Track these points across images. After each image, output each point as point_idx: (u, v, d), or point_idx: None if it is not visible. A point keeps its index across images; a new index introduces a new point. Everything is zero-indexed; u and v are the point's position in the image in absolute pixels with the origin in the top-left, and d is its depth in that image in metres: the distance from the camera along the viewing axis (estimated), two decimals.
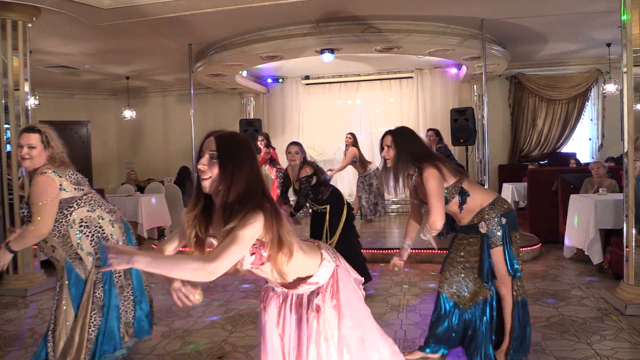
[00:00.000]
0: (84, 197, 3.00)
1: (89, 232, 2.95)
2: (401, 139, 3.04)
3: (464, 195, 2.98)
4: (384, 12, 6.84)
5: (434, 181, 2.90)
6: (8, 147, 5.47)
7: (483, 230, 2.97)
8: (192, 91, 7.82)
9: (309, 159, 5.03)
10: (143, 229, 8.04)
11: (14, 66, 5.39)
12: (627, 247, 4.24)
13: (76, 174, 3.04)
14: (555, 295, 4.65)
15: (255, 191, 1.67)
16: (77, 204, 2.94)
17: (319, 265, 1.87)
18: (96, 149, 12.26)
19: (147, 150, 12.27)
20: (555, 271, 5.59)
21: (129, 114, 11.18)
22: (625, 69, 4.24)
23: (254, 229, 1.59)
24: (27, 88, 5.47)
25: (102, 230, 2.99)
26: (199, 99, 9.86)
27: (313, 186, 4.81)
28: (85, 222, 2.95)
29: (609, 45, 8.67)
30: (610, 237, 5.16)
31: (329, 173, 8.72)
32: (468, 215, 3.02)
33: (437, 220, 2.87)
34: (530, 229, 7.11)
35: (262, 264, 1.71)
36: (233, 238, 1.56)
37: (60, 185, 2.90)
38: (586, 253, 5.46)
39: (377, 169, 8.73)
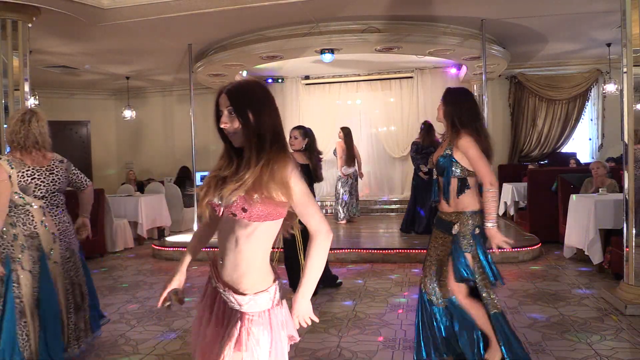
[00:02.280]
0: (15, 209, 2.98)
1: (1, 243, 2.95)
2: (451, 96, 3.05)
3: (465, 186, 2.92)
4: (384, 12, 6.84)
5: (473, 149, 2.89)
6: (8, 148, 5.47)
7: (454, 232, 2.94)
8: (192, 91, 7.82)
9: (322, 155, 4.95)
10: (143, 229, 8.05)
11: (14, 66, 5.39)
12: (627, 247, 4.24)
13: (33, 178, 2.99)
14: (555, 295, 4.66)
15: (282, 135, 1.71)
16: (7, 214, 2.94)
17: (264, 289, 1.66)
18: (96, 149, 12.25)
19: (147, 150, 12.26)
20: (555, 271, 5.59)
21: (129, 114, 11.17)
22: (625, 69, 4.24)
23: (298, 173, 1.66)
24: (27, 88, 5.48)
25: (12, 250, 2.98)
26: (199, 99, 9.85)
27: None
28: (2, 235, 2.95)
29: (609, 45, 8.66)
30: (610, 237, 5.16)
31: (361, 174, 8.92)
32: (453, 205, 2.97)
33: (492, 181, 2.84)
34: (530, 229, 7.11)
35: (245, 210, 1.61)
36: (305, 199, 1.67)
37: (10, 176, 2.92)
38: (586, 253, 5.46)
39: (349, 176, 8.72)
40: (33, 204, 3.03)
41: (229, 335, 1.63)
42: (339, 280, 5.17)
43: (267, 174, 1.59)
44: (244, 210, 1.61)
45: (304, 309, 1.70)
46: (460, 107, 3.00)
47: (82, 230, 3.46)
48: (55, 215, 3.16)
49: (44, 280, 3.03)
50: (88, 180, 3.49)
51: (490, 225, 2.86)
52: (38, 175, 3.05)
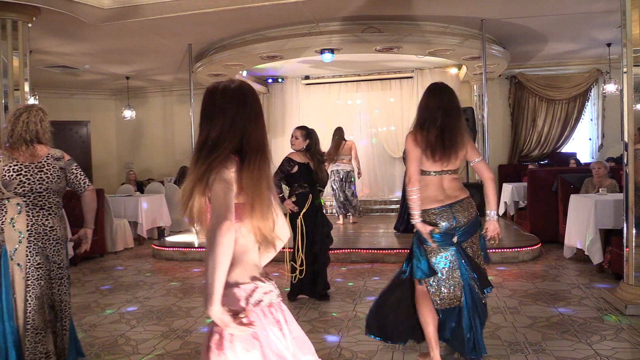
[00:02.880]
0: None
1: None
2: (426, 93, 3.08)
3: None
4: (384, 12, 6.84)
5: (406, 145, 3.02)
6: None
7: None
8: (192, 91, 7.83)
9: (326, 158, 4.89)
10: (143, 229, 8.05)
11: (14, 66, 5.40)
12: (627, 247, 4.24)
13: (19, 174, 2.88)
14: (555, 295, 4.66)
15: (222, 144, 1.59)
16: None
17: (237, 285, 1.57)
18: (96, 149, 12.25)
19: (147, 150, 12.27)
20: (555, 271, 5.59)
21: (129, 114, 11.17)
22: (625, 69, 4.24)
23: (222, 183, 1.54)
24: (27, 88, 5.48)
25: None
26: (199, 99, 9.91)
27: (289, 176, 4.62)
28: None
29: (609, 45, 8.66)
30: (610, 237, 5.16)
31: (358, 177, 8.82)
32: None
33: (409, 180, 2.96)
34: (530, 229, 7.11)
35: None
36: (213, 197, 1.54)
37: None
38: (586, 253, 5.46)
39: (341, 171, 8.66)
40: (11, 200, 2.87)
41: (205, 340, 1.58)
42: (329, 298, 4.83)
43: (194, 200, 1.57)
44: (196, 227, 1.64)
45: (216, 318, 1.45)
46: (420, 103, 3.07)
47: (82, 243, 3.22)
48: (32, 216, 2.93)
49: (3, 282, 2.84)
50: (88, 183, 3.19)
51: (413, 221, 2.99)
52: (25, 172, 2.90)
